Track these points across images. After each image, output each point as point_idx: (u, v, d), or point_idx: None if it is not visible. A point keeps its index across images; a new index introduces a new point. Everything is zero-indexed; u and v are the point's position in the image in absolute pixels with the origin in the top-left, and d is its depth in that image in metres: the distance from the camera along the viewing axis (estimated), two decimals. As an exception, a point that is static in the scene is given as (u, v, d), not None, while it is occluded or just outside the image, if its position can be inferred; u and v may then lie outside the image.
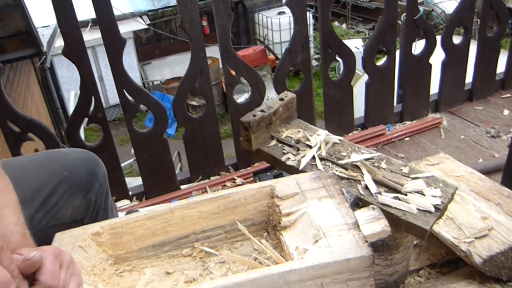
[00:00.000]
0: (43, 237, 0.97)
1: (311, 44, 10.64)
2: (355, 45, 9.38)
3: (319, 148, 1.36)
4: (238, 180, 2.30)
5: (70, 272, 0.75)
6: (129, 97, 2.04)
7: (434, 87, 2.67)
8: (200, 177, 2.34)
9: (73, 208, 1.07)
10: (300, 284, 0.79)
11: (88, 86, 1.94)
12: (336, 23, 12.74)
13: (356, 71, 2.55)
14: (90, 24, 7.90)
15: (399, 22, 2.77)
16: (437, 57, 2.55)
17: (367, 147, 1.78)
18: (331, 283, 0.80)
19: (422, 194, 1.15)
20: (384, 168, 1.25)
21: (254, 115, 1.39)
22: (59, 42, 3.59)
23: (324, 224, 0.89)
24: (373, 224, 0.95)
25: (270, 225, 1.02)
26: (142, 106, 2.06)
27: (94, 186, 1.12)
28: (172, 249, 1.02)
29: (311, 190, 1.00)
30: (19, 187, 0.99)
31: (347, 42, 2.97)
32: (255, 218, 1.03)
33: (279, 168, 1.44)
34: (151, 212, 1.01)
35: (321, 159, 1.32)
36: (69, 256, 0.77)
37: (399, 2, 2.38)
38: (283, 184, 1.02)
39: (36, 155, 1.21)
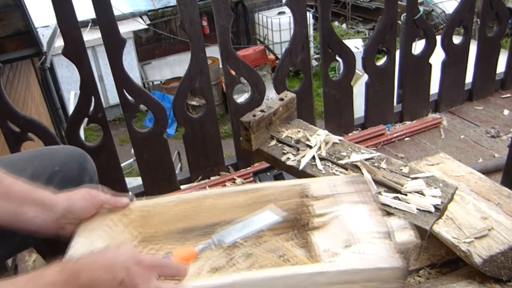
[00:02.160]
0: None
1: (311, 44, 10.64)
2: (355, 45, 9.38)
3: (319, 148, 1.36)
4: (238, 180, 2.30)
5: None
6: (129, 97, 2.04)
7: (434, 87, 2.67)
8: (200, 177, 2.34)
9: None
10: (327, 287, 0.78)
11: (88, 86, 1.94)
12: (336, 23, 12.74)
13: (356, 71, 2.55)
14: (90, 24, 7.90)
15: (399, 22, 2.77)
16: (437, 57, 2.55)
17: (367, 147, 1.78)
18: None
19: (422, 194, 1.15)
20: (384, 168, 1.25)
21: (254, 115, 1.39)
22: (59, 42, 3.59)
23: (357, 229, 0.88)
24: (400, 233, 0.93)
25: (299, 224, 1.01)
26: (142, 106, 2.06)
27: (85, 180, 1.13)
28: (200, 236, 1.02)
29: (344, 193, 0.98)
30: None
31: (347, 42, 2.97)
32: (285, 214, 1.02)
33: (279, 168, 1.44)
34: (182, 197, 1.02)
35: (321, 159, 1.32)
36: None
37: (399, 2, 2.38)
38: (317, 185, 1.01)
39: (25, 152, 1.22)
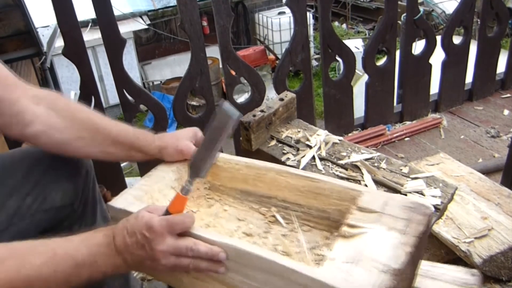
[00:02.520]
0: (35, 221, 1.05)
1: (311, 44, 10.63)
2: (355, 45, 9.37)
3: (319, 148, 1.36)
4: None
5: None
6: (129, 97, 2.04)
7: (434, 87, 2.67)
8: (200, 177, 2.34)
9: (63, 192, 1.11)
10: (299, 287, 0.78)
11: (88, 86, 1.94)
12: (336, 23, 12.73)
13: (356, 71, 2.55)
14: (90, 24, 7.89)
15: (399, 22, 2.78)
16: (437, 57, 2.55)
17: (367, 147, 1.78)
18: None
19: (422, 194, 1.15)
20: (384, 168, 1.25)
21: (254, 115, 1.40)
22: (59, 42, 3.59)
23: (367, 253, 0.83)
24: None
25: (339, 227, 0.99)
26: (142, 106, 2.06)
27: (81, 172, 1.16)
28: (253, 202, 1.11)
29: (391, 216, 0.91)
30: (8, 175, 1.05)
31: (347, 42, 2.97)
32: (331, 213, 1.01)
33: (279, 168, 1.44)
34: (250, 163, 1.12)
35: (321, 159, 1.32)
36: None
37: (399, 2, 2.38)
38: (370, 197, 0.97)
39: (24, 147, 1.24)
